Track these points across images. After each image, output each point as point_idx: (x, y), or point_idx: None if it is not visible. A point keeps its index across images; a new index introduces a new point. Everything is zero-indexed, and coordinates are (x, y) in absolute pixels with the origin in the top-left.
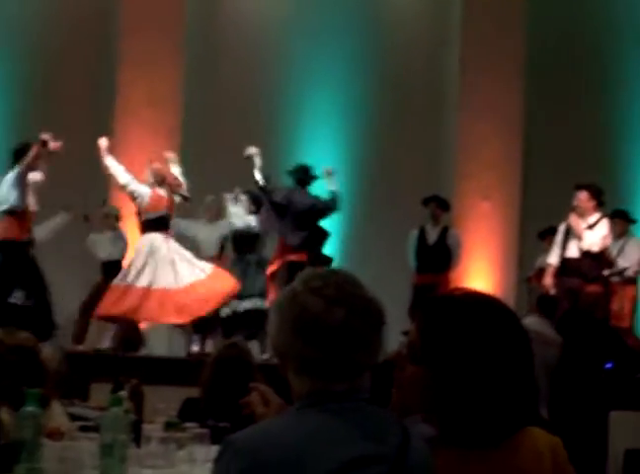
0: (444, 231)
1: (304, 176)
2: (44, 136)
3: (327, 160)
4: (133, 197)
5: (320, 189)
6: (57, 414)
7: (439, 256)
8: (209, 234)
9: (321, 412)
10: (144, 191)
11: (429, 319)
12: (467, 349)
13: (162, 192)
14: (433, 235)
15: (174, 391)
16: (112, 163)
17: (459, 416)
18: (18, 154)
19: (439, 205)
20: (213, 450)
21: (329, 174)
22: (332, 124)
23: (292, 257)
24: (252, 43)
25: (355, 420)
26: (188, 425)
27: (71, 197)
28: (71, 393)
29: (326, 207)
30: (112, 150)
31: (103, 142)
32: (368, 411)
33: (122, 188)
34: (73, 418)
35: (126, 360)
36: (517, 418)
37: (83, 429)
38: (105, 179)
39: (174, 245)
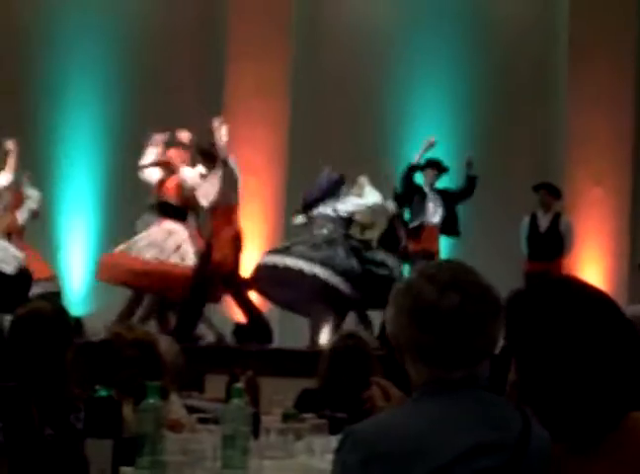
0: (556, 218)
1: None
2: None
3: (434, 154)
4: None
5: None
6: (176, 406)
7: (550, 243)
8: None
9: (440, 401)
10: None
11: (514, 310)
12: (555, 339)
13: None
14: (544, 222)
15: (288, 382)
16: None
17: (554, 411)
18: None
19: (549, 192)
20: (332, 441)
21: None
22: (439, 114)
23: None
24: (359, 33)
25: (474, 407)
26: (305, 416)
27: None
28: (187, 385)
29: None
30: None
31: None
32: (487, 399)
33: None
34: (190, 410)
35: (241, 352)
36: (620, 407)
37: (202, 421)
38: None
39: None
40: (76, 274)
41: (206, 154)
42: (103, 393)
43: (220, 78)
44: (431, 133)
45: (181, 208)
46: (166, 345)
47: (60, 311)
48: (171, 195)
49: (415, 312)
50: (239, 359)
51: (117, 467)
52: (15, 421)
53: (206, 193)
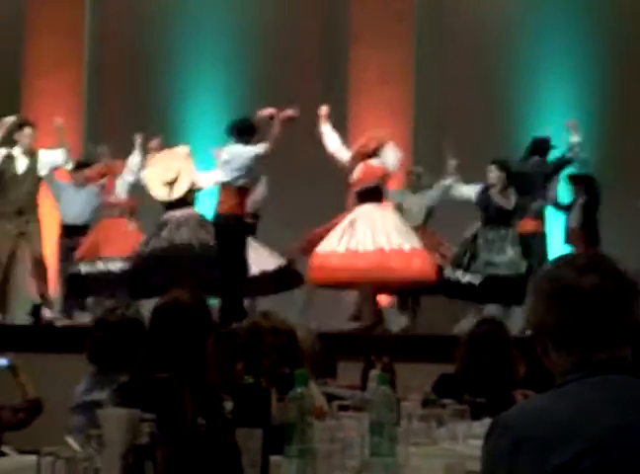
0: None
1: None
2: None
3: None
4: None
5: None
6: (316, 394)
7: None
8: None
9: (585, 385)
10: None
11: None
12: None
13: (375, 162)
14: None
15: (424, 368)
16: (327, 130)
17: None
18: (244, 130)
19: None
20: (474, 427)
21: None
22: (565, 102)
23: None
24: (483, 18)
25: (620, 391)
26: (446, 401)
27: None
28: (322, 373)
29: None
30: (347, 130)
31: (323, 110)
32: (633, 383)
33: (332, 155)
34: (328, 397)
35: (374, 339)
36: None
37: (341, 408)
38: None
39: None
40: None
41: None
42: (251, 381)
43: (344, 66)
44: (557, 123)
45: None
46: (303, 332)
47: (199, 299)
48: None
49: (555, 295)
50: (372, 346)
51: (266, 456)
52: (169, 412)
53: None
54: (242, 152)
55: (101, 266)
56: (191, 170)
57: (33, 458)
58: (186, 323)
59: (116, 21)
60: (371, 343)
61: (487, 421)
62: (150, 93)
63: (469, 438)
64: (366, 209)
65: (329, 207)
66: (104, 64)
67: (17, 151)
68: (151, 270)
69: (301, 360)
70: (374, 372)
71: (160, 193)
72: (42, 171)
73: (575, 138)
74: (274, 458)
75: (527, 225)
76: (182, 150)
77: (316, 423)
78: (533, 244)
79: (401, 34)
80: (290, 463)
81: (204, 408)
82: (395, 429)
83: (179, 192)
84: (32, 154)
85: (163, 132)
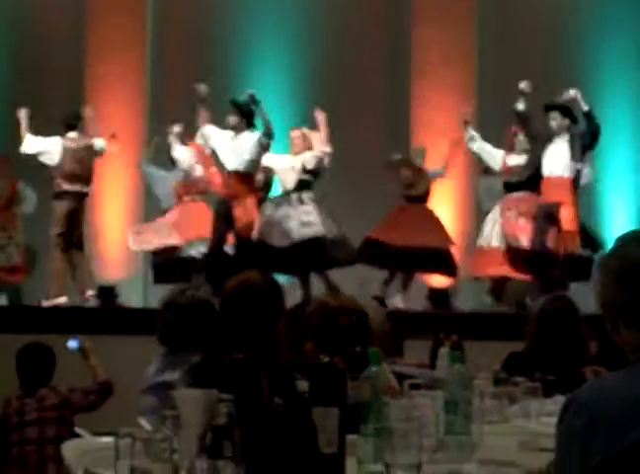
0: None
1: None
2: None
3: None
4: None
5: None
6: (387, 373)
7: None
8: None
9: None
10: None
11: None
12: None
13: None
14: None
15: (492, 346)
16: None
17: None
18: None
19: None
20: (546, 404)
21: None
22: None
23: None
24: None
25: None
26: (517, 379)
27: None
28: (390, 352)
29: None
30: (408, 111)
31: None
32: None
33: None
34: (397, 376)
35: (440, 317)
36: None
37: (412, 387)
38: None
39: None
40: None
41: None
42: (326, 361)
43: (407, 46)
44: (621, 104)
45: None
46: (373, 311)
47: (270, 280)
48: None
49: (622, 275)
50: (439, 323)
51: (343, 435)
52: (245, 392)
53: None
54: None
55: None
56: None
57: (107, 440)
58: (257, 304)
59: (178, 1)
60: (438, 321)
61: (558, 398)
62: (213, 73)
63: (541, 416)
64: None
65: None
66: (167, 46)
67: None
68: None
69: (372, 339)
70: (443, 350)
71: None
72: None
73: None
74: (350, 437)
75: None
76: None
77: (391, 401)
78: None
79: (462, 13)
80: (367, 442)
81: (280, 388)
82: (469, 407)
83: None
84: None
85: (226, 113)
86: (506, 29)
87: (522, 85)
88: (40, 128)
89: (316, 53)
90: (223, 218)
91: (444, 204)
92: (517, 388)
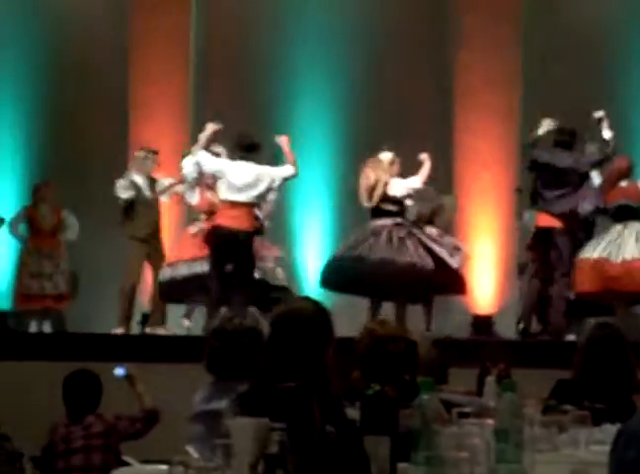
0: None
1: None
2: None
3: None
4: None
5: None
6: (435, 401)
7: None
8: None
9: None
10: None
11: None
12: None
13: None
14: None
15: (539, 374)
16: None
17: None
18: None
19: None
20: (596, 432)
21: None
22: None
23: None
24: (590, 17)
25: None
26: (566, 407)
27: None
28: (436, 379)
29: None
30: (451, 135)
31: None
32: None
33: None
34: (444, 404)
35: (484, 344)
36: None
37: (461, 415)
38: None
39: None
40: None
41: None
42: (377, 389)
43: (450, 69)
44: None
45: None
46: (419, 338)
47: (320, 308)
48: None
49: None
50: (483, 352)
51: (394, 463)
52: (298, 421)
53: None
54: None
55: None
56: (387, 179)
57: (156, 468)
58: (306, 332)
59: (220, 24)
60: (482, 349)
61: (608, 427)
62: (256, 94)
63: (591, 445)
64: None
65: None
66: (210, 68)
67: (138, 178)
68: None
69: (419, 367)
70: (491, 378)
71: (362, 198)
72: (163, 197)
73: (607, 133)
74: (401, 465)
75: None
76: (384, 157)
77: (441, 430)
78: None
79: (507, 35)
80: (418, 470)
81: (331, 416)
82: (520, 435)
83: (374, 200)
84: (153, 180)
85: (268, 133)
86: (551, 49)
87: (599, 114)
88: (85, 155)
89: (358, 75)
90: None
91: (486, 230)
92: (566, 416)
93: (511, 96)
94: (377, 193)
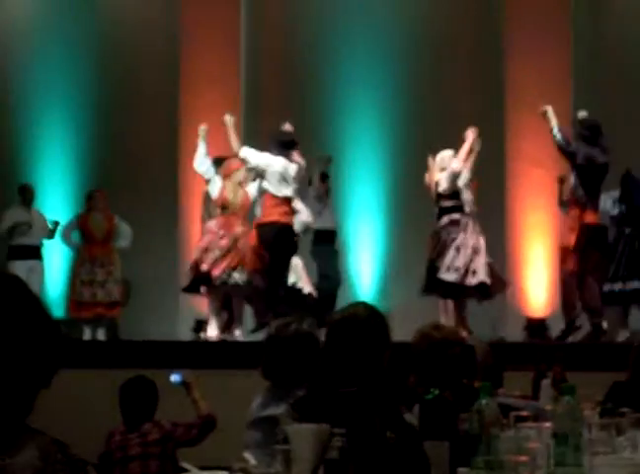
0: None
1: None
2: None
3: None
4: None
5: None
6: (492, 405)
7: None
8: None
9: None
10: None
11: None
12: None
13: None
14: None
15: (593, 376)
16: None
17: None
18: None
19: None
20: None
21: None
22: None
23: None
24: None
25: None
26: (624, 410)
27: None
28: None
29: None
30: (504, 142)
31: None
32: None
33: None
34: (501, 408)
35: (538, 348)
36: None
37: (518, 419)
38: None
39: None
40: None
41: None
42: (436, 394)
43: (500, 80)
44: None
45: None
46: (475, 342)
47: (375, 313)
48: None
49: None
50: (537, 355)
51: (454, 468)
52: (358, 426)
53: None
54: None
55: None
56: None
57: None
58: (363, 336)
59: (269, 42)
60: (536, 352)
61: None
62: (305, 107)
63: None
64: None
65: None
66: (259, 85)
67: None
68: None
69: (476, 371)
70: (546, 382)
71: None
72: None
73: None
74: (461, 470)
75: None
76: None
77: (500, 434)
78: None
79: (556, 44)
80: None
81: (390, 421)
82: (579, 438)
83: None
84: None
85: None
86: (601, 66)
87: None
88: (137, 163)
89: (407, 90)
90: None
91: (538, 232)
92: (623, 419)
93: (560, 100)
94: (432, 194)
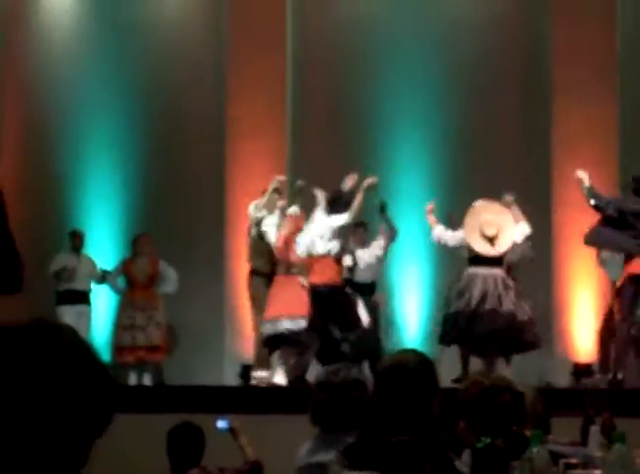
0: None
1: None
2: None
3: None
4: None
5: None
6: (542, 452)
7: None
8: None
9: None
10: None
11: None
12: None
13: None
14: None
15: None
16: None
17: None
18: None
19: None
20: None
21: None
22: None
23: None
24: None
25: None
26: None
27: None
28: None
29: None
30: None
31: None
32: None
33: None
34: (550, 455)
35: (586, 392)
36: None
37: (568, 466)
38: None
39: None
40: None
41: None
42: (487, 442)
43: (547, 119)
44: None
45: None
46: (524, 389)
47: (424, 360)
48: None
49: None
50: (584, 400)
51: None
52: (410, 473)
53: None
54: (327, 222)
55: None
56: (511, 226)
57: None
58: (413, 384)
59: (315, 73)
60: (583, 398)
61: None
62: (351, 142)
63: None
64: None
65: None
66: (306, 116)
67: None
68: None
69: (526, 418)
70: (595, 428)
71: (477, 245)
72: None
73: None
74: None
75: None
76: (507, 200)
77: None
78: None
79: (602, 83)
80: None
81: (441, 469)
82: None
83: (501, 248)
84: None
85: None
86: None
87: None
88: (184, 207)
89: (454, 127)
90: None
91: (585, 278)
92: None
93: (607, 146)
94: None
